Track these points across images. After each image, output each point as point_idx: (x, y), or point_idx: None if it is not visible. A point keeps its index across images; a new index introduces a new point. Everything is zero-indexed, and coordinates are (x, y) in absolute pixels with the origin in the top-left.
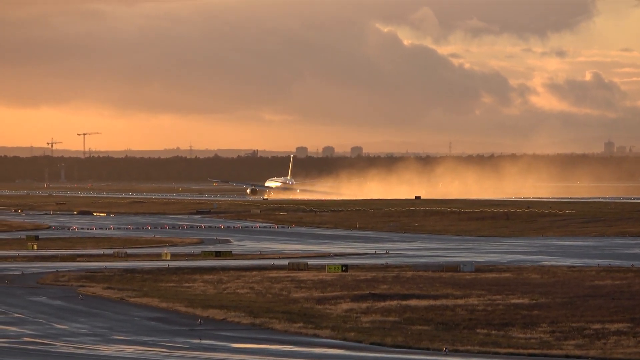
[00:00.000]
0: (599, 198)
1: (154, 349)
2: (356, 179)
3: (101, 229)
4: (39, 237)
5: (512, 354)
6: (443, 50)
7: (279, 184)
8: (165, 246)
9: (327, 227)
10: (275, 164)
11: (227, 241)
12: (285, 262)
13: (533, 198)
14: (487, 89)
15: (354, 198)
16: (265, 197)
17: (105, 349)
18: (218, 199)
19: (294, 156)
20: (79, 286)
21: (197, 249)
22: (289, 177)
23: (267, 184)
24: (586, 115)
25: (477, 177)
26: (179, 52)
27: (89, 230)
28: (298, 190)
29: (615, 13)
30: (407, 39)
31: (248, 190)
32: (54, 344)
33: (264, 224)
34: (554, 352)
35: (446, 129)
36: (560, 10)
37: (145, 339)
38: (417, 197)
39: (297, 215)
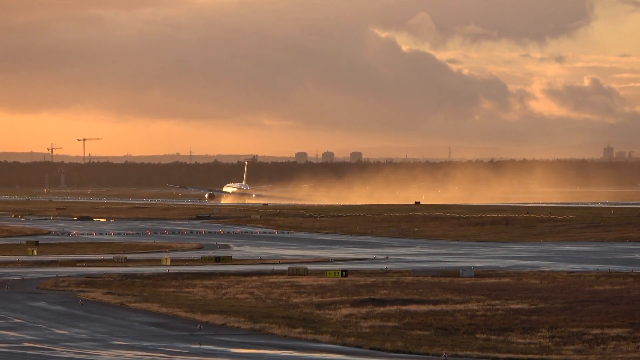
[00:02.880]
0: (598, 203)
1: (153, 354)
2: (308, 184)
3: (101, 234)
4: (39, 242)
5: (511, 359)
6: (441, 55)
7: (235, 189)
8: (165, 251)
9: (326, 233)
10: (275, 170)
11: (227, 246)
12: (285, 267)
13: (532, 203)
14: (486, 95)
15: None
16: (222, 201)
17: (105, 354)
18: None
19: (247, 162)
20: (79, 291)
21: (197, 254)
22: (243, 183)
23: (225, 189)
24: (585, 121)
25: (477, 182)
26: (178, 57)
27: (89, 236)
28: (254, 195)
29: (613, 18)
30: (406, 44)
31: (206, 195)
32: (53, 349)
33: (264, 229)
34: (554, 357)
35: (446, 134)
36: (558, 15)
37: (145, 344)
38: (417, 203)
39: (297, 221)
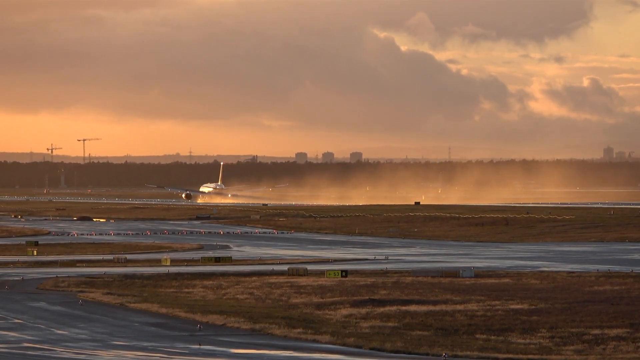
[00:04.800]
0: (598, 204)
1: (153, 355)
2: (282, 184)
3: (101, 234)
4: (39, 242)
5: (511, 359)
6: (440, 56)
7: (211, 189)
8: (165, 252)
9: (326, 233)
10: (274, 170)
11: (227, 247)
12: (285, 267)
13: (532, 204)
14: (486, 95)
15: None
16: (199, 201)
17: (104, 355)
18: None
19: (223, 163)
20: (79, 292)
21: (197, 255)
22: (219, 183)
23: (201, 189)
24: (585, 121)
25: (477, 183)
26: (178, 58)
27: (89, 236)
28: (230, 195)
29: (612, 19)
30: (404, 44)
31: (183, 195)
32: (53, 350)
33: (264, 230)
34: (553, 357)
35: (446, 134)
36: (558, 16)
37: (145, 344)
38: (417, 203)
39: (297, 221)
